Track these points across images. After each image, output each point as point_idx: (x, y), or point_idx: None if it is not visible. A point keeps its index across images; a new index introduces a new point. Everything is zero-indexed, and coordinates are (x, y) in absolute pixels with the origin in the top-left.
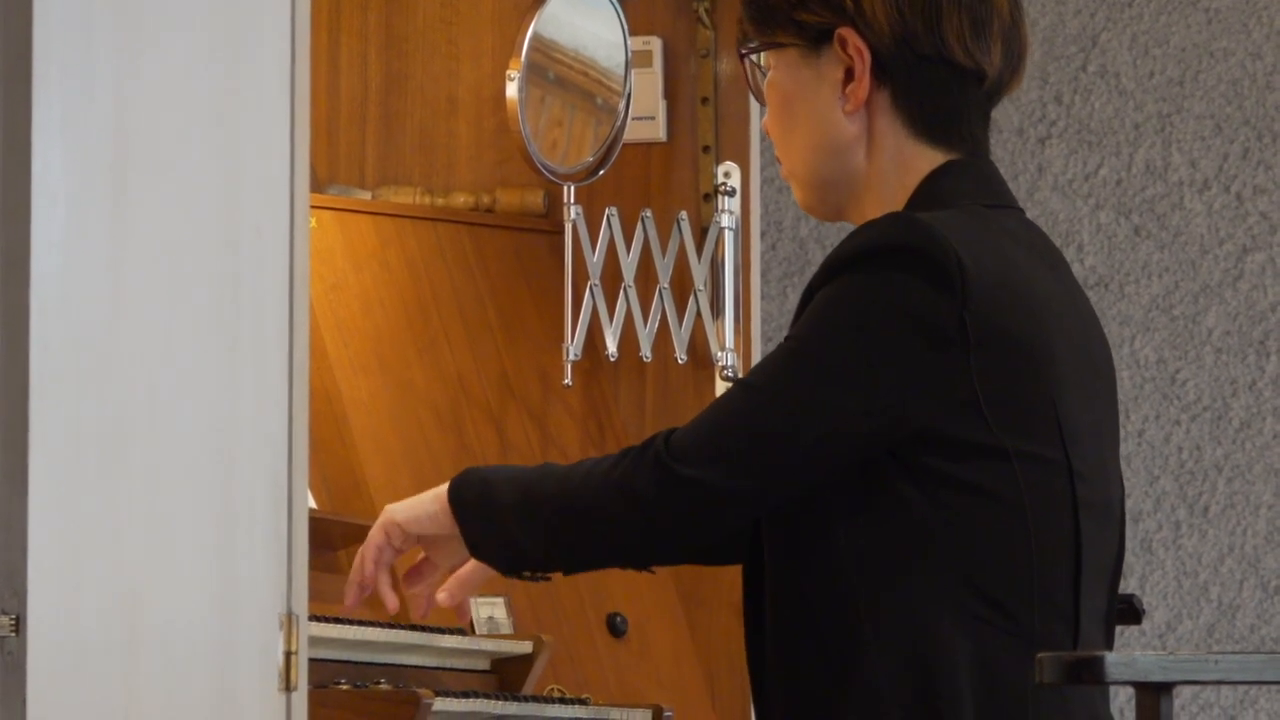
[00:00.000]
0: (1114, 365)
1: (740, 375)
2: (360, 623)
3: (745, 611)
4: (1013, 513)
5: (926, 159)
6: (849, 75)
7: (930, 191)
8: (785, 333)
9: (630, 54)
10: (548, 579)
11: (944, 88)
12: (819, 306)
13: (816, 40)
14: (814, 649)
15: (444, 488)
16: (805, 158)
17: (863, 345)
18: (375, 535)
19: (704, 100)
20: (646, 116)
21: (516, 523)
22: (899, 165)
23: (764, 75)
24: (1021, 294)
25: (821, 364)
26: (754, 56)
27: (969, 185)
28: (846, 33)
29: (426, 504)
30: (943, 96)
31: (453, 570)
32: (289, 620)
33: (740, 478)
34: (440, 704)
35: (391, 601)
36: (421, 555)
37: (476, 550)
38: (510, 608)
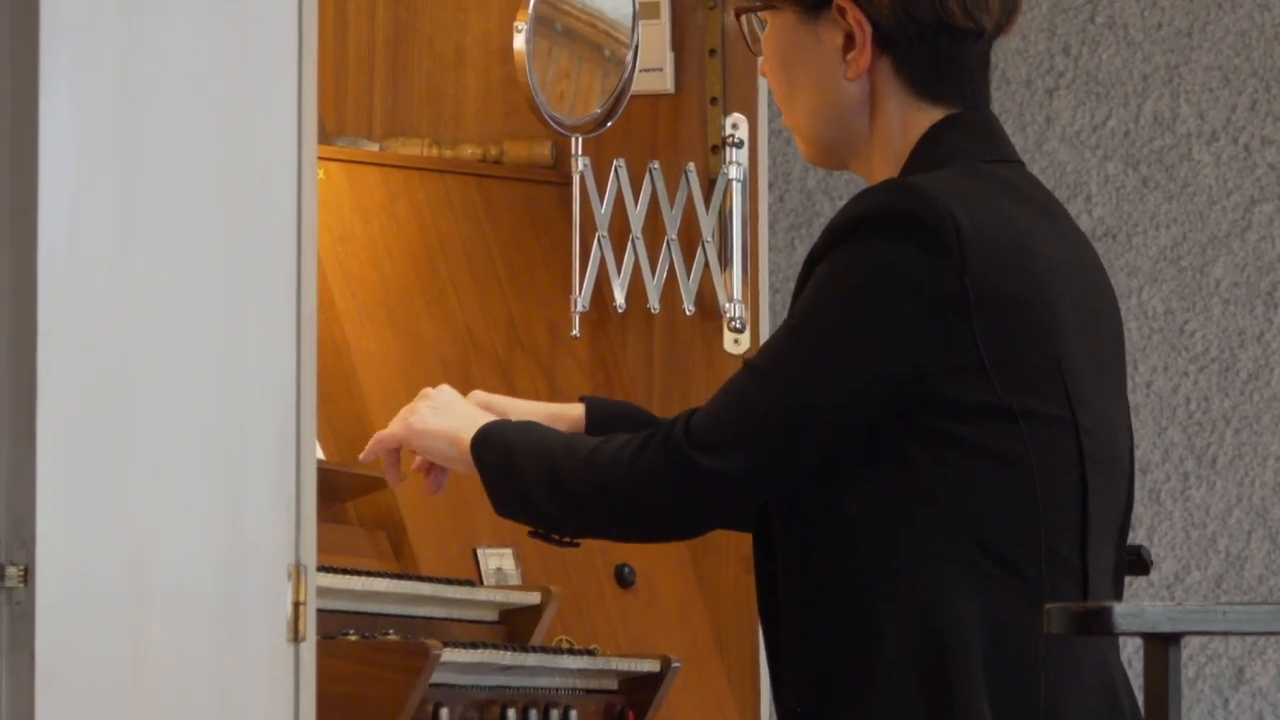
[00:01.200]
0: (1120, 314)
1: (746, 328)
2: (369, 573)
3: (757, 574)
4: (1019, 471)
5: (928, 116)
6: (849, 41)
7: (930, 148)
8: (793, 285)
9: (638, 5)
10: (576, 545)
11: (945, 51)
12: (819, 281)
13: (815, 6)
14: (826, 611)
15: (465, 436)
16: (808, 119)
17: (865, 317)
18: (388, 439)
19: (711, 52)
20: (654, 68)
21: (541, 495)
22: (902, 124)
23: (762, 28)
24: (1022, 252)
25: (827, 341)
26: (750, 15)
27: (968, 141)
28: (846, 3)
29: (446, 446)
30: (944, 59)
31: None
32: (297, 571)
33: (760, 463)
34: (448, 654)
35: (394, 478)
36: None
37: (502, 511)
38: (518, 559)
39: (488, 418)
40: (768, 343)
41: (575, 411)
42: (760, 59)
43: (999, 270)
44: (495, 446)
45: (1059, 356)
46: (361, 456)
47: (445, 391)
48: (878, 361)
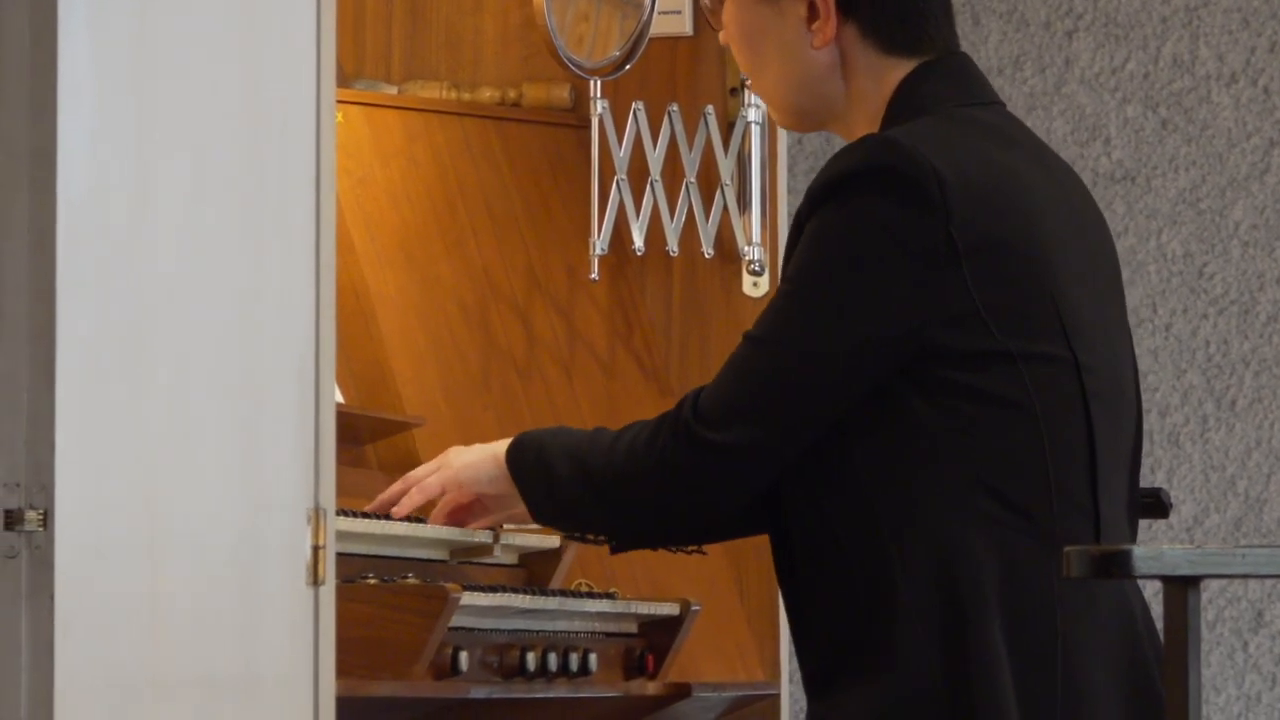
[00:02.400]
0: (1115, 249)
1: (765, 270)
2: (388, 518)
3: (772, 540)
4: (1023, 415)
5: (900, 68)
6: (812, 11)
7: (906, 100)
8: None
9: None
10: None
11: (908, 5)
12: (807, 244)
13: None
14: (842, 569)
15: (501, 450)
16: (778, 90)
17: (856, 276)
18: (431, 484)
19: None
20: (673, 10)
21: (574, 496)
22: (876, 81)
23: (719, 6)
24: (1008, 195)
25: (821, 303)
26: None
27: (944, 87)
28: None
29: (488, 466)
30: (908, 11)
31: (508, 519)
32: (316, 515)
33: (769, 431)
34: (467, 598)
35: (463, 517)
36: (471, 497)
37: (540, 518)
38: None
39: (507, 441)
40: (764, 312)
41: None
42: (720, 33)
43: (985, 215)
44: (529, 451)
45: (1054, 296)
46: (397, 511)
47: (458, 447)
48: (874, 318)
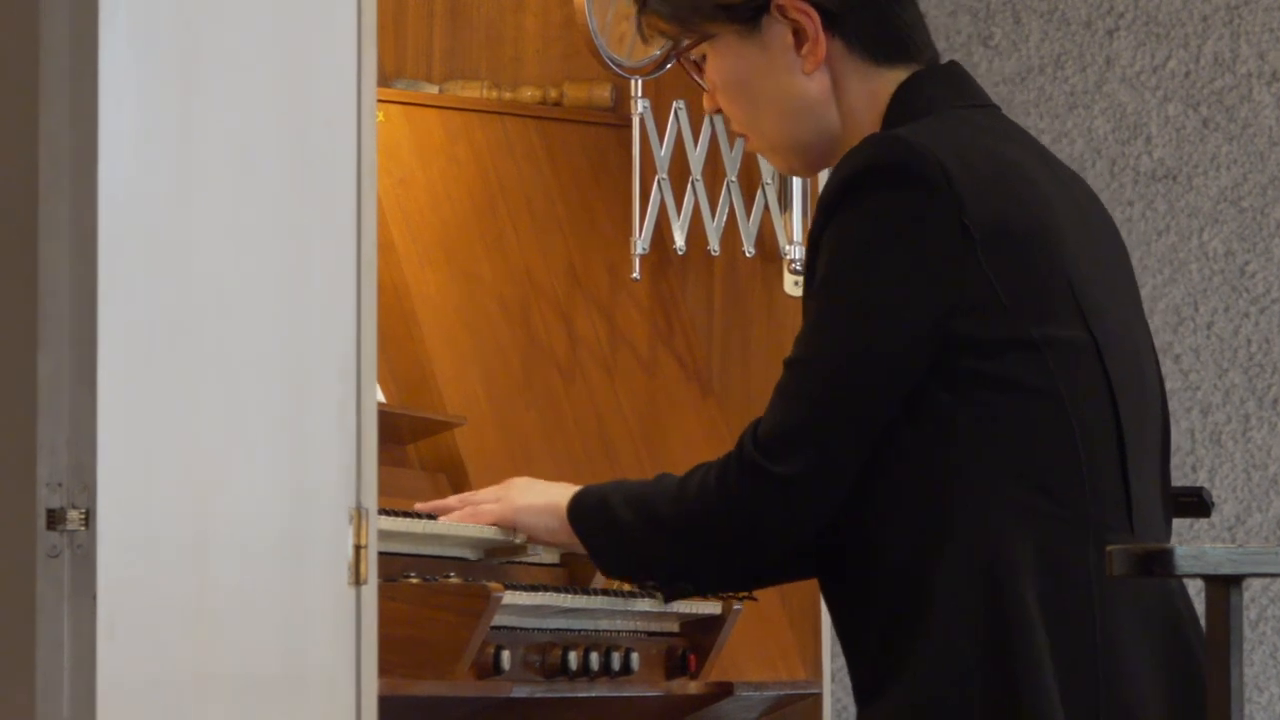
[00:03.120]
0: (1124, 245)
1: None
2: (429, 517)
3: (815, 550)
4: (1050, 401)
5: (892, 78)
6: (798, 37)
7: (903, 104)
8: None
9: None
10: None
11: (889, 12)
12: (827, 256)
13: (753, 17)
14: (880, 572)
15: (563, 503)
16: (779, 129)
17: (879, 275)
18: (486, 515)
19: None
20: None
21: (643, 541)
22: (869, 97)
23: (703, 62)
24: (1014, 184)
25: (851, 310)
26: (691, 55)
27: (940, 91)
28: (784, 0)
29: (548, 518)
30: (891, 20)
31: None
32: (358, 514)
33: (828, 453)
34: (509, 597)
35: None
36: None
37: (607, 569)
38: None
39: (574, 489)
40: (799, 335)
41: None
42: (706, 96)
43: (994, 202)
44: (592, 506)
45: (1069, 280)
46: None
47: (524, 479)
48: (903, 312)
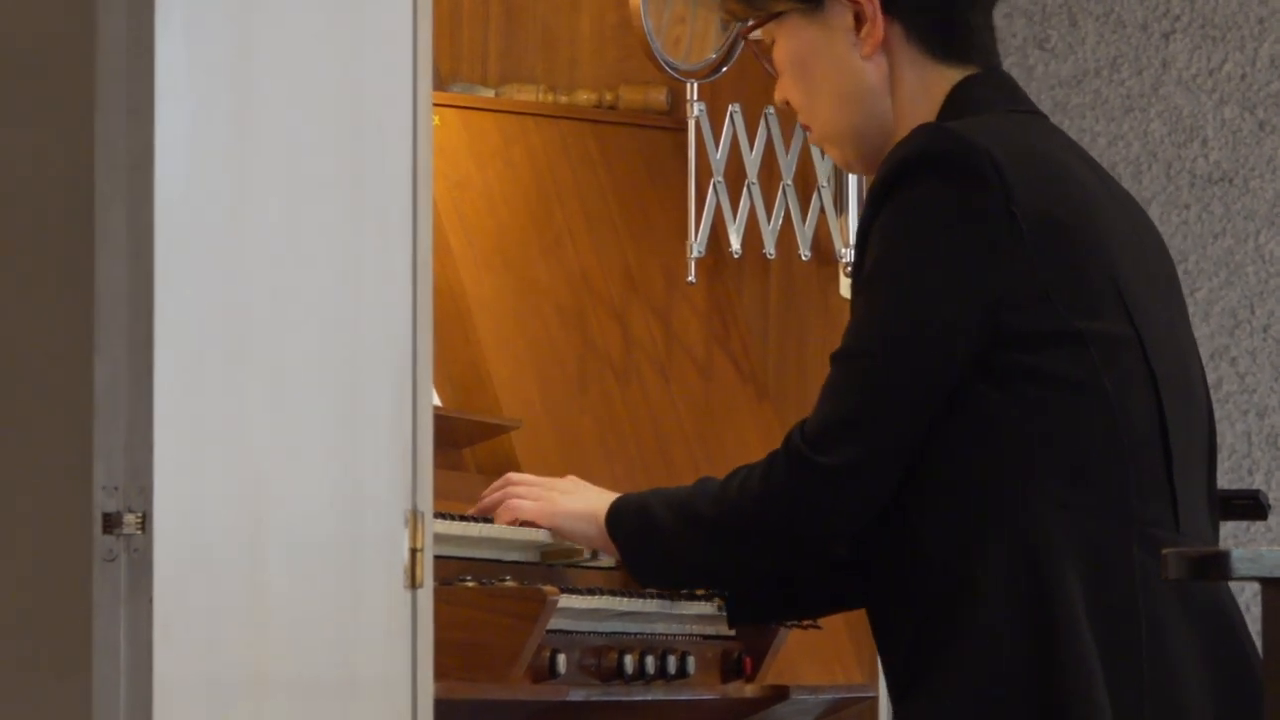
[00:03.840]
0: (1168, 252)
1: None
2: (486, 520)
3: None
4: (1094, 396)
5: (948, 79)
6: (858, 20)
7: (956, 105)
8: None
9: None
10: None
11: (955, 10)
12: (876, 246)
13: None
14: (922, 564)
15: (601, 510)
16: (834, 113)
17: (927, 264)
18: (526, 513)
19: None
20: None
21: (684, 544)
22: (924, 92)
23: (772, 43)
24: (1061, 180)
25: (898, 300)
26: (756, 34)
27: (993, 94)
28: None
29: (586, 525)
30: (952, 20)
31: None
32: (414, 517)
33: (877, 444)
34: (565, 601)
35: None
36: None
37: (641, 577)
38: None
39: (613, 495)
40: (847, 328)
41: None
42: (776, 85)
43: (1042, 196)
44: (630, 513)
45: (1114, 275)
46: (483, 509)
47: (572, 479)
48: (950, 300)
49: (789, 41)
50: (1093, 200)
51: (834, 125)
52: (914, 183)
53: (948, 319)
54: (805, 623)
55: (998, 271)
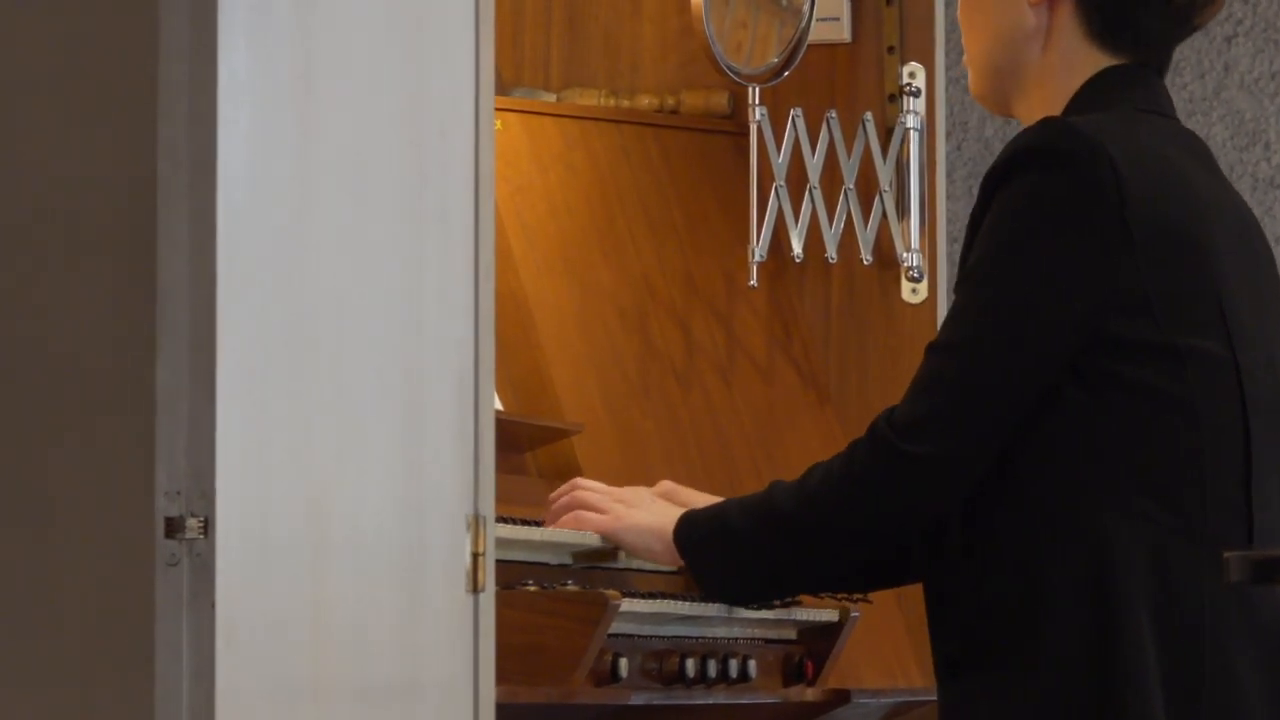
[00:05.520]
0: (1276, 267)
1: (924, 277)
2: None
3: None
4: (1181, 410)
5: (1094, 61)
6: None
7: (1091, 94)
8: (960, 244)
9: None
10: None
11: (1129, 5)
12: (985, 236)
13: None
14: (994, 559)
15: (668, 525)
16: (985, 43)
17: (1034, 265)
18: (590, 526)
19: (888, 1)
20: (831, 17)
21: (761, 548)
22: (1069, 64)
23: None
24: (1180, 190)
25: (1001, 295)
26: None
27: (1129, 91)
28: None
29: (651, 540)
30: (1127, 10)
31: None
32: (476, 522)
33: (967, 437)
34: (627, 605)
35: None
36: None
37: (711, 591)
38: None
39: (679, 511)
40: (947, 318)
41: None
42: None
43: (1158, 206)
44: (703, 523)
45: (1219, 294)
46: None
47: (633, 490)
48: (1052, 300)
49: None
50: (1208, 212)
51: (981, 53)
52: (1031, 174)
53: (1047, 321)
54: (857, 597)
55: (1102, 277)
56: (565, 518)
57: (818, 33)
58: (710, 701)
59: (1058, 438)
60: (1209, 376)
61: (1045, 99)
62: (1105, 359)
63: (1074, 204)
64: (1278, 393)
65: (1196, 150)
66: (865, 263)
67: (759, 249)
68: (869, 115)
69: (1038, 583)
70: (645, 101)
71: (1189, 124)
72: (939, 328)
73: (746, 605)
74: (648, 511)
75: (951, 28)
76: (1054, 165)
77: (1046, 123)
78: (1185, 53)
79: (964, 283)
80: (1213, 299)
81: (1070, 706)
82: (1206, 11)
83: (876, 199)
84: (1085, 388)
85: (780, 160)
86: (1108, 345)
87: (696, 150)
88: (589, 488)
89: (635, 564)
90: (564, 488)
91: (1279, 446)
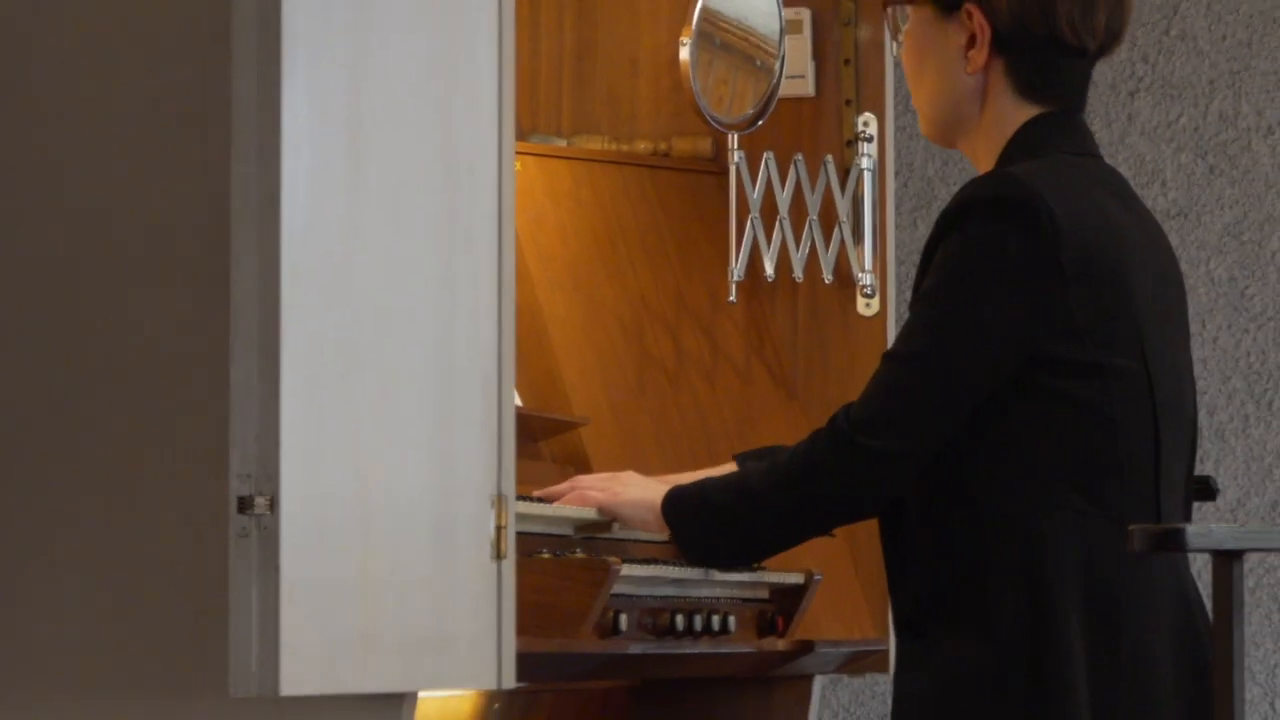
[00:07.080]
0: (1183, 282)
1: (875, 293)
2: (544, 502)
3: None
4: (1103, 419)
5: (1025, 112)
6: (971, 41)
7: (1024, 140)
8: (915, 257)
9: (784, 22)
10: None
11: (1051, 61)
12: (939, 267)
13: (948, 8)
14: (943, 538)
15: (657, 499)
16: (930, 100)
17: (983, 295)
18: (591, 502)
19: (846, 61)
20: (798, 75)
21: (732, 517)
22: (1003, 116)
23: (904, 21)
24: (1104, 230)
25: (954, 320)
26: (896, 8)
27: (1056, 136)
28: (972, 9)
29: (643, 512)
30: (1049, 68)
31: None
32: (499, 500)
33: (916, 437)
34: (626, 569)
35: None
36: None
37: (690, 557)
38: None
39: (666, 486)
40: (902, 331)
41: (732, 468)
42: (899, 49)
43: (1087, 246)
44: (687, 498)
45: (1135, 316)
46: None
47: (630, 473)
48: (1000, 330)
49: (916, 28)
50: (1126, 243)
51: (925, 104)
52: (982, 220)
53: (989, 348)
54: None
55: (1039, 307)
56: (570, 495)
57: (787, 88)
58: (696, 651)
59: (1000, 442)
60: (1126, 388)
61: (987, 144)
62: (1041, 375)
63: (1016, 245)
64: (1178, 393)
65: (1117, 188)
66: (827, 281)
67: (737, 270)
68: (830, 158)
69: (983, 562)
70: (642, 146)
71: None
72: (892, 338)
73: (721, 568)
74: (640, 489)
75: (900, 84)
76: (1000, 214)
77: (994, 175)
78: (1094, 105)
79: (919, 303)
80: (1131, 321)
81: (1005, 667)
82: (1112, 49)
83: (836, 228)
84: (1024, 399)
85: (755, 195)
86: (1043, 363)
87: (685, 188)
88: (587, 478)
89: (633, 534)
90: (563, 485)
91: (1179, 442)
